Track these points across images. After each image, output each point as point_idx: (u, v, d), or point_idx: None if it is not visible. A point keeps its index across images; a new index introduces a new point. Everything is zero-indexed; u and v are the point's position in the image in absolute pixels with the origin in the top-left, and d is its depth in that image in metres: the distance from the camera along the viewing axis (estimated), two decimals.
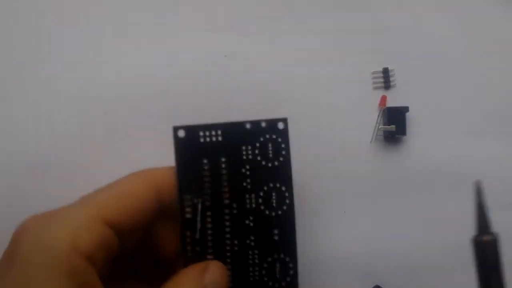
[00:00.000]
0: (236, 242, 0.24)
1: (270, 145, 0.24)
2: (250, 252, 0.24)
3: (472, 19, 0.31)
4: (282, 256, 0.24)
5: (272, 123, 0.24)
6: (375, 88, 0.30)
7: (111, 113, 0.29)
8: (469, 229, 0.30)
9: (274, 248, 0.24)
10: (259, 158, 0.24)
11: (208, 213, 0.23)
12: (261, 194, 0.24)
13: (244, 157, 0.24)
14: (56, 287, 0.18)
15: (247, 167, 0.24)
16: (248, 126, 0.24)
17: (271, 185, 0.24)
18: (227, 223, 0.24)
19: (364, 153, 0.30)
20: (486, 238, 0.19)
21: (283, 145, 0.24)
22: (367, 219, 0.30)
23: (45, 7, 0.30)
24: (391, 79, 0.30)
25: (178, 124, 0.23)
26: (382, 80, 0.30)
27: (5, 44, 0.29)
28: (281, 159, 0.24)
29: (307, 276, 0.29)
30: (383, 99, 0.30)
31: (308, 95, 0.30)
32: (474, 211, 0.20)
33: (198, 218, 0.23)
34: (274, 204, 0.24)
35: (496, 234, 0.19)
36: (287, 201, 0.24)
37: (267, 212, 0.24)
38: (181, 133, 0.23)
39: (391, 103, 0.30)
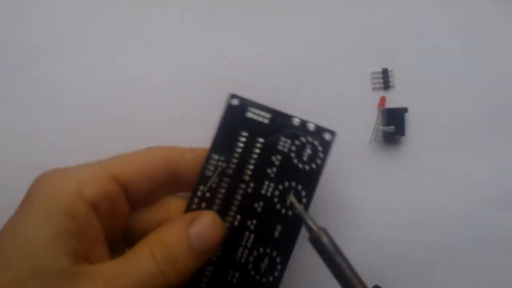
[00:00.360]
0: (238, 217, 0.24)
1: (308, 148, 0.25)
2: (246, 233, 0.24)
3: (472, 19, 0.31)
4: (274, 254, 0.24)
5: (320, 130, 0.25)
6: (374, 88, 0.30)
7: (111, 113, 0.29)
8: (468, 228, 0.30)
9: (270, 243, 0.24)
10: (293, 155, 0.25)
11: (226, 180, 0.24)
12: (280, 187, 0.24)
13: (280, 148, 0.25)
14: (53, 225, 0.19)
15: (278, 157, 0.24)
16: (295, 122, 0.25)
17: (293, 184, 0.24)
18: (238, 197, 0.24)
19: (363, 153, 0.30)
20: (316, 234, 0.22)
21: (321, 155, 0.25)
22: (366, 219, 0.30)
23: (45, 7, 0.30)
24: (390, 79, 0.30)
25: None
26: (381, 80, 0.30)
27: (4, 44, 0.29)
28: (313, 166, 0.25)
29: (307, 275, 0.29)
30: (382, 99, 0.30)
31: (308, 95, 0.30)
32: (300, 218, 0.23)
33: (214, 177, 0.24)
34: (287, 203, 0.24)
35: (322, 228, 0.22)
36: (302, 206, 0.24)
37: (278, 206, 0.24)
38: (235, 102, 0.25)
39: (390, 104, 0.30)
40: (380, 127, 0.30)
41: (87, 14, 0.30)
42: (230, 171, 0.24)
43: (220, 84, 0.30)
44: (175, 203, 0.24)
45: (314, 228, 0.22)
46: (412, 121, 0.30)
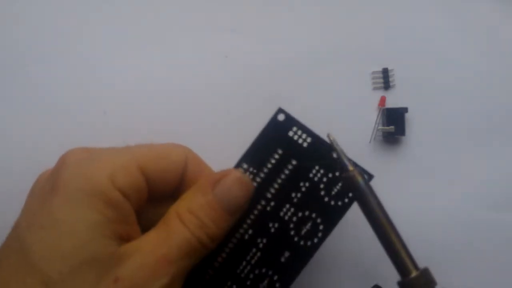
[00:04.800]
0: (250, 232, 0.23)
1: (339, 185, 0.24)
2: (253, 250, 0.24)
3: (472, 19, 0.31)
4: (275, 277, 0.24)
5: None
6: (375, 88, 0.30)
7: (111, 113, 0.29)
8: (468, 228, 0.30)
9: (274, 266, 0.24)
10: (321, 186, 0.23)
11: None
12: (299, 214, 0.23)
13: (311, 175, 0.23)
14: (98, 213, 0.19)
15: (306, 184, 0.23)
16: (335, 154, 0.23)
17: (313, 215, 0.23)
18: (255, 212, 0.23)
19: (363, 153, 0.30)
20: (351, 173, 0.21)
21: (350, 194, 0.24)
22: (366, 219, 0.30)
23: (45, 7, 0.30)
24: (390, 79, 0.30)
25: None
26: (381, 80, 0.30)
27: (4, 44, 0.29)
28: (339, 203, 0.24)
29: (307, 275, 0.29)
30: (383, 99, 0.30)
31: (308, 95, 0.30)
32: (336, 157, 0.23)
33: None
34: (302, 232, 0.24)
35: (355, 170, 0.22)
36: (315, 240, 0.23)
37: (292, 232, 0.24)
38: (281, 117, 0.23)
39: (390, 103, 0.30)
40: (380, 127, 0.30)
41: (88, 15, 0.30)
42: (254, 185, 0.23)
43: (220, 84, 0.30)
44: None
45: (350, 168, 0.22)
46: (412, 121, 0.30)
